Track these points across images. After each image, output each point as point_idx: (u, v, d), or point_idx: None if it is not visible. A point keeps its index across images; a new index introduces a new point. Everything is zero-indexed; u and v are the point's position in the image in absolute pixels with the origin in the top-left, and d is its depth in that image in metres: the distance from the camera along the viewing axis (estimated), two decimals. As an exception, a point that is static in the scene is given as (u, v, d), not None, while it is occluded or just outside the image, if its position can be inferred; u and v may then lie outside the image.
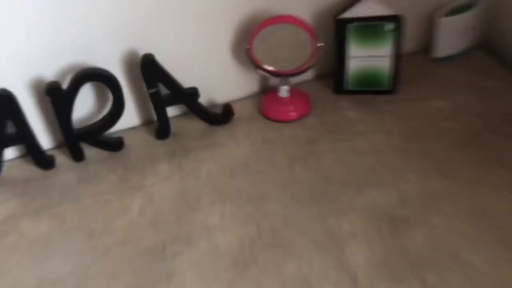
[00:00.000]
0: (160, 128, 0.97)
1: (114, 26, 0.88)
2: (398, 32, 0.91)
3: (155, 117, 0.96)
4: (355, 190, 0.80)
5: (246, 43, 0.91)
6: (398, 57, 0.95)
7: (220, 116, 0.99)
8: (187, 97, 0.94)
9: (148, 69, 0.87)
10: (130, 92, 0.97)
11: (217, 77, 1.03)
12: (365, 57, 0.96)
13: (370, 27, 0.92)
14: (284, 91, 0.97)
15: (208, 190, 0.84)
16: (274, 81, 1.03)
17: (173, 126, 0.98)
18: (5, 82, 0.84)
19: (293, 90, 0.99)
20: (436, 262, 0.66)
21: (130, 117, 1.00)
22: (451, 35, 1.03)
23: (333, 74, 1.02)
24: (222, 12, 0.94)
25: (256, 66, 0.93)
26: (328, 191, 0.80)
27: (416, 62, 1.09)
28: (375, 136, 0.91)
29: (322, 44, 0.89)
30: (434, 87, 1.01)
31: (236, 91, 1.06)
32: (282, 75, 0.94)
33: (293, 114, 0.98)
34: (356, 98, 1.01)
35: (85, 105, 0.95)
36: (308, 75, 1.06)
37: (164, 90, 0.91)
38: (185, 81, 0.95)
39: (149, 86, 0.90)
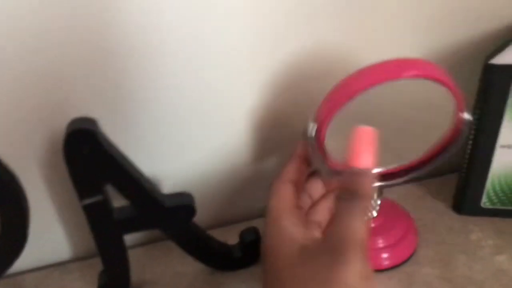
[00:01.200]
0: (109, 277, 0.45)
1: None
2: None
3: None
4: None
5: (312, 118, 0.39)
6: None
7: (235, 252, 0.48)
8: (170, 216, 0.43)
9: (78, 153, 0.37)
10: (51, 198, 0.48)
11: (232, 172, 0.54)
12: (535, 148, 0.48)
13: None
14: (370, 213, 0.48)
15: None
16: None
17: (137, 268, 0.48)
18: None
19: (386, 206, 0.49)
20: None
21: (49, 249, 0.50)
22: None
23: (459, 176, 0.53)
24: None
25: (326, 162, 0.41)
26: None
27: None
28: None
29: (471, 117, 0.40)
30: None
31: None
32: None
33: (384, 257, 0.47)
34: (502, 225, 0.52)
35: None
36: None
37: (118, 199, 0.41)
38: (166, 178, 0.47)
39: (83, 192, 0.39)
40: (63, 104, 0.44)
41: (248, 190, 0.55)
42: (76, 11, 0.40)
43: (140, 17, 0.42)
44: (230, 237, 0.50)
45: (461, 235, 0.51)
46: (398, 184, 0.44)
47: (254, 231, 0.48)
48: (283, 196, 0.35)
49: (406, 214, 0.52)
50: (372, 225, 0.48)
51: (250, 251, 0.48)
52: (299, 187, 0.38)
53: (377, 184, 0.44)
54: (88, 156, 0.37)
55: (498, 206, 0.52)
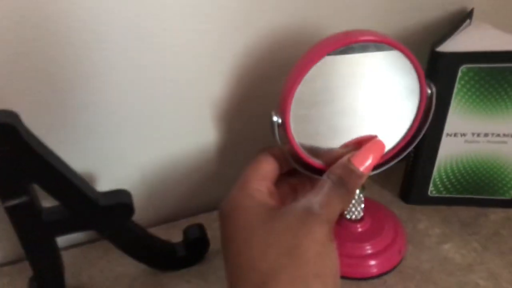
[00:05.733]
0: (40, 283, 0.42)
1: None
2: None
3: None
4: None
5: (277, 109, 0.36)
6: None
7: (179, 250, 0.46)
8: (105, 216, 0.40)
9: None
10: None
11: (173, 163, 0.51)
12: (479, 136, 0.48)
13: (503, 74, 0.44)
14: (355, 209, 0.46)
15: None
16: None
17: (73, 270, 0.44)
18: None
19: (370, 206, 0.48)
20: None
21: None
22: None
23: (406, 165, 0.53)
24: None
25: (298, 160, 0.37)
26: None
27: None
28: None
29: (434, 89, 0.38)
30: None
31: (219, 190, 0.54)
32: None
33: (372, 264, 0.45)
34: (450, 216, 0.52)
35: None
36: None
37: (49, 198, 0.38)
38: (104, 175, 0.43)
39: (4, 193, 0.36)
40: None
41: (193, 185, 0.52)
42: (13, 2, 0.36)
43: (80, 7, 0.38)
44: (175, 234, 0.47)
45: (409, 224, 0.50)
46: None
47: (199, 228, 0.46)
48: (259, 166, 0.35)
49: (393, 215, 0.50)
50: (359, 229, 0.46)
51: (194, 249, 0.46)
52: (284, 167, 0.37)
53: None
54: (9, 153, 0.33)
55: (444, 195, 0.52)
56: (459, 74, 0.44)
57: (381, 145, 0.35)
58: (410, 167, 0.51)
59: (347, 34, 0.34)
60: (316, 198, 0.32)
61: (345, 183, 0.33)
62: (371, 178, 0.56)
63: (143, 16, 0.41)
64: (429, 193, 0.52)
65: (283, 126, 0.35)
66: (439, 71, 0.44)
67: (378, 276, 0.45)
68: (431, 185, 0.51)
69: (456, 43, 0.44)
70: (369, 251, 0.45)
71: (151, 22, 0.41)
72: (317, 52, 0.34)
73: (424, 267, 0.46)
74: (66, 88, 0.42)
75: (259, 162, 0.36)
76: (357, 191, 0.44)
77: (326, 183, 0.33)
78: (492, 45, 0.44)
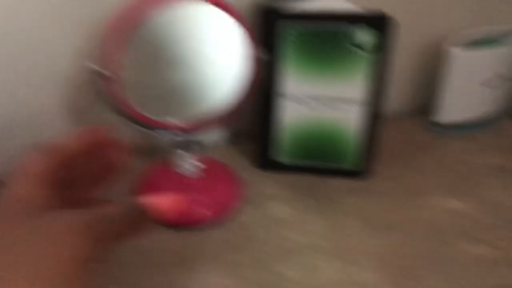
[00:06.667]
0: None
1: None
2: (381, 51, 0.46)
3: None
4: None
5: (101, 60, 0.36)
6: (377, 106, 0.50)
7: None
8: None
9: None
10: None
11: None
12: (315, 99, 0.50)
13: (328, 36, 0.47)
14: (187, 164, 0.49)
15: None
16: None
17: None
18: None
19: (213, 168, 0.52)
20: None
21: None
22: (466, 88, 0.59)
23: (258, 128, 0.56)
24: None
25: (126, 113, 0.39)
26: None
27: (405, 129, 0.64)
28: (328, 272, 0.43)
29: (264, 54, 0.40)
30: (436, 174, 0.56)
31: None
32: (185, 131, 0.45)
33: (199, 214, 0.49)
34: (296, 181, 0.54)
35: None
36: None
37: None
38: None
39: None
40: None
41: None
42: None
43: None
44: None
45: (253, 187, 0.53)
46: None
47: None
48: (33, 161, 0.32)
49: (232, 177, 0.54)
50: (192, 182, 0.49)
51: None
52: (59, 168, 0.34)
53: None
54: None
55: (292, 162, 0.55)
56: (290, 36, 0.46)
57: (184, 204, 0.33)
58: (261, 134, 0.54)
59: None
60: (97, 211, 0.29)
61: (139, 219, 0.31)
62: (234, 145, 0.59)
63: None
64: (278, 160, 0.54)
65: (109, 79, 0.34)
66: (265, 31, 0.46)
67: (202, 227, 0.48)
68: (278, 152, 0.54)
69: (289, 7, 0.47)
70: (198, 203, 0.48)
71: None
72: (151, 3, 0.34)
73: (249, 222, 0.49)
74: None
75: (34, 157, 0.32)
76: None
77: (116, 205, 0.31)
78: (319, 7, 0.46)
